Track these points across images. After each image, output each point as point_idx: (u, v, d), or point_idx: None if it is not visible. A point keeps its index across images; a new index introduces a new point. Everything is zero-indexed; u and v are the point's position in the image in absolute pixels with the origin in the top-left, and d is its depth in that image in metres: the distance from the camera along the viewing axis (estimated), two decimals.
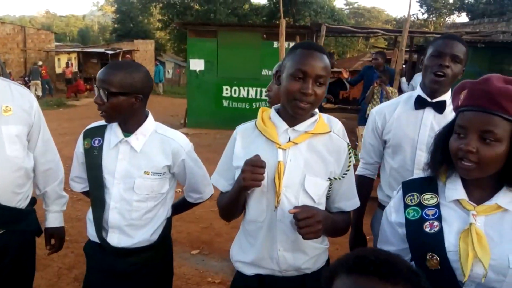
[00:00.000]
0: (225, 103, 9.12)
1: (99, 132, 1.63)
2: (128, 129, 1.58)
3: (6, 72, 13.36)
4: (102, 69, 1.53)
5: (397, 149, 1.78)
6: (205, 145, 7.02)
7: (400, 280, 0.72)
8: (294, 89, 1.25)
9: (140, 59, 21.34)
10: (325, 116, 1.88)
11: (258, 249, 1.37)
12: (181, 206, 1.85)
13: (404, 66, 6.84)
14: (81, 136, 1.67)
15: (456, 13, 28.65)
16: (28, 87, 13.43)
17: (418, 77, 6.60)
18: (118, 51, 19.23)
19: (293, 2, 27.56)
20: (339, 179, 1.36)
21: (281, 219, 1.32)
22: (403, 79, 6.47)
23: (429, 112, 1.72)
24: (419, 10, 35.05)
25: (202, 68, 9.01)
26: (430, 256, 1.11)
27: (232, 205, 1.38)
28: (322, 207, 1.38)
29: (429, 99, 1.72)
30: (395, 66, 6.15)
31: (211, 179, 1.51)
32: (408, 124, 1.74)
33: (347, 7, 45.37)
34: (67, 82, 17.32)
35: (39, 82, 15.71)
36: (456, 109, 1.15)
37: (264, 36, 8.70)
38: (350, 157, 1.37)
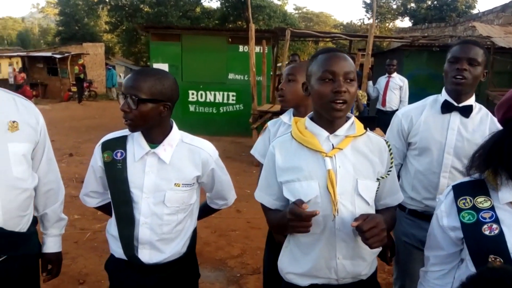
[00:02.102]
0: (192, 108, 8.96)
1: (120, 143, 1.52)
2: (153, 139, 1.49)
3: None
4: (130, 75, 1.45)
5: (424, 151, 1.82)
6: None
7: None
8: (326, 91, 1.26)
9: (90, 63, 20.42)
10: None
11: (314, 259, 1.34)
12: (204, 212, 1.79)
13: (370, 69, 7.09)
14: (98, 149, 1.55)
15: (400, 18, 30.25)
16: None
17: (382, 80, 6.89)
18: (66, 54, 18.25)
19: (246, 6, 27.72)
20: (386, 177, 1.38)
21: (340, 228, 1.31)
22: (370, 83, 6.72)
23: (455, 116, 1.78)
24: (365, 15, 36.65)
25: None
26: (493, 259, 1.13)
27: (280, 230, 1.42)
28: (374, 208, 1.39)
29: (455, 104, 1.78)
30: (362, 69, 6.37)
31: (255, 195, 1.48)
32: (436, 127, 1.80)
33: (297, 11, 46.44)
34: (17, 88, 16.05)
35: None
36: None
37: (230, 40, 8.66)
38: (391, 154, 1.40)
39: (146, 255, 1.51)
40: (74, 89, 17.09)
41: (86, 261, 3.32)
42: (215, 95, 9.01)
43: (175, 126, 1.54)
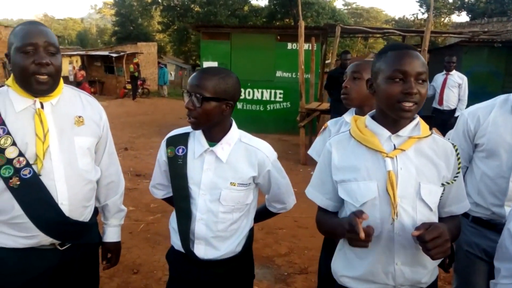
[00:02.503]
0: (239, 105, 9.03)
1: (183, 140, 1.57)
2: (213, 137, 1.52)
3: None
4: (194, 74, 1.48)
5: (492, 154, 1.71)
6: None
7: None
8: (396, 91, 1.20)
9: (143, 62, 21.26)
10: None
11: (371, 263, 1.30)
12: (262, 215, 1.79)
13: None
14: (163, 144, 1.62)
15: (456, 12, 28.70)
16: None
17: (439, 78, 6.56)
18: (122, 53, 19.14)
19: (294, 3, 27.55)
20: (452, 182, 1.31)
21: (399, 232, 1.26)
22: None
23: None
24: (419, 10, 35.15)
25: None
26: None
27: (335, 236, 1.37)
28: (436, 215, 1.32)
29: None
30: None
31: (306, 192, 1.45)
32: (506, 128, 1.67)
33: (346, 7, 45.43)
34: (77, 85, 17.16)
35: None
36: None
37: (278, 37, 8.64)
38: (458, 158, 1.32)
39: (202, 251, 1.54)
40: (129, 86, 17.91)
41: (140, 251, 3.46)
42: (262, 92, 9.05)
43: (234, 125, 1.56)
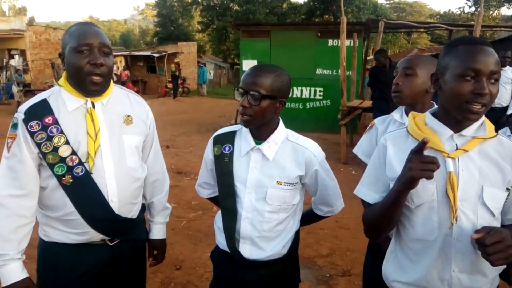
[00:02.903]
0: None
1: (229, 138, 1.57)
2: (260, 135, 1.50)
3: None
4: (249, 71, 1.45)
5: None
6: None
7: None
8: (465, 90, 1.11)
9: (184, 61, 21.71)
10: None
11: (425, 269, 1.23)
12: (308, 218, 1.74)
13: None
14: (210, 142, 1.62)
15: (506, 5, 27.11)
16: None
17: (506, 72, 6.15)
18: (163, 53, 19.65)
19: None
20: None
21: (458, 237, 1.18)
22: None
23: None
24: (466, 3, 33.53)
25: None
26: None
27: (389, 212, 1.21)
28: (499, 222, 1.23)
29: None
30: None
31: (356, 192, 1.38)
32: None
33: (387, 2, 44.16)
34: (121, 84, 17.88)
35: None
36: None
37: (319, 34, 8.51)
38: None
39: (247, 250, 1.52)
40: (170, 85, 18.35)
41: (182, 248, 3.52)
42: (302, 90, 8.95)
43: (281, 123, 1.53)
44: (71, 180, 1.39)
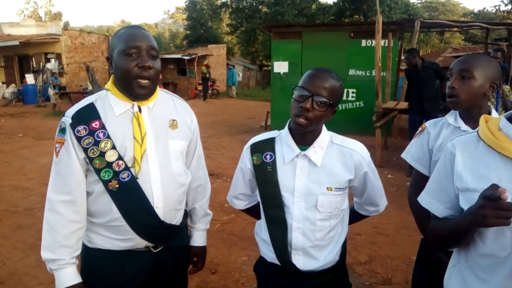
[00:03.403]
0: None
1: (269, 146, 1.49)
2: (304, 141, 1.43)
3: (96, 79, 14.34)
4: (316, 73, 1.36)
5: None
6: None
7: None
8: None
9: (213, 63, 21.90)
10: None
11: (494, 286, 1.12)
12: (352, 219, 1.67)
13: None
14: (247, 151, 1.54)
15: None
16: None
17: None
18: (194, 56, 19.88)
19: None
20: None
21: None
22: None
23: None
24: (502, 1, 32.19)
25: (286, 70, 8.87)
26: None
27: (460, 238, 1.15)
28: None
29: None
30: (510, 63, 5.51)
31: (420, 200, 1.29)
32: None
33: (419, 1, 43.08)
34: None
35: None
36: None
37: (352, 34, 8.34)
38: None
39: (300, 261, 1.46)
40: (199, 87, 18.54)
41: (216, 251, 3.49)
42: None
43: (324, 127, 1.46)
44: (117, 186, 1.37)
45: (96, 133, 1.36)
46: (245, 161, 1.54)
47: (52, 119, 12.04)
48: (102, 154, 1.35)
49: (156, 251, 1.50)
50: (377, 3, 6.46)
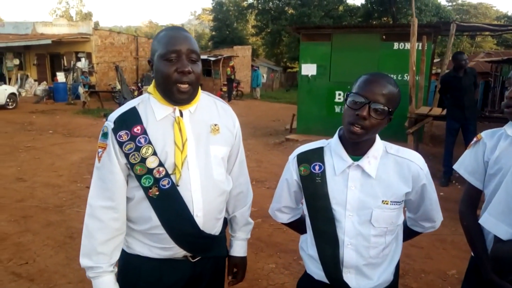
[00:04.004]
0: (337, 109, 8.68)
1: (317, 156, 1.40)
2: (357, 151, 1.33)
3: (124, 79, 14.57)
4: (374, 79, 1.27)
5: None
6: None
7: None
8: None
9: (238, 64, 21.94)
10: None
11: None
12: (405, 236, 1.55)
13: None
14: (293, 161, 1.45)
15: None
16: (141, 93, 14.55)
17: None
18: (219, 57, 19.96)
19: (393, 1, 26.21)
20: None
21: None
22: None
23: None
24: None
25: (314, 73, 8.71)
26: None
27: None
28: None
29: None
30: None
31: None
32: None
33: (450, 3, 42.01)
34: None
35: None
36: None
37: (384, 37, 8.12)
38: None
39: (353, 280, 1.37)
40: (224, 88, 18.59)
41: None
42: None
43: (378, 136, 1.36)
44: (157, 193, 1.31)
45: (137, 139, 1.31)
46: (291, 172, 1.45)
47: (82, 117, 12.30)
48: (143, 160, 1.31)
49: (194, 261, 1.44)
50: (413, 5, 6.25)
